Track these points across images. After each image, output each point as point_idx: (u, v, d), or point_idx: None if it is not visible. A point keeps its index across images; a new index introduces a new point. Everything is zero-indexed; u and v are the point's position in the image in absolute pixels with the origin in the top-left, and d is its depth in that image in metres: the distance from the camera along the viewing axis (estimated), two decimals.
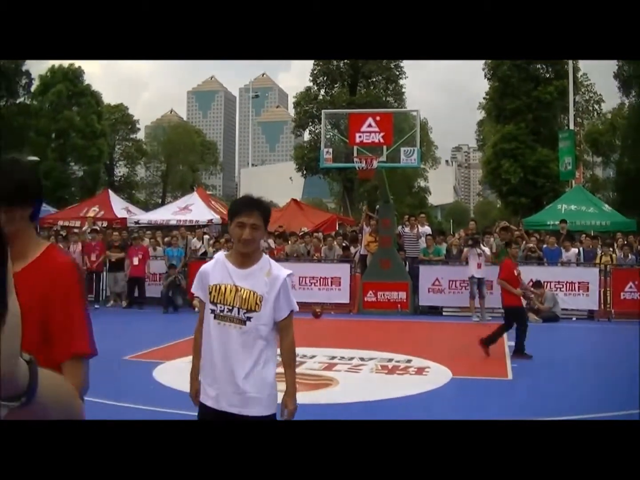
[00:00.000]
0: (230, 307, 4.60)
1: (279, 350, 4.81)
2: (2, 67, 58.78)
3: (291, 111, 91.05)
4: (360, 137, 21.24)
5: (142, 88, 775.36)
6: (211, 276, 4.72)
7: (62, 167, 65.98)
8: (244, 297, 4.58)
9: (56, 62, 67.28)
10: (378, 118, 21.78)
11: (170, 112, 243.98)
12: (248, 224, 4.54)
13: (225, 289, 4.63)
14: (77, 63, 68.08)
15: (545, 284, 20.82)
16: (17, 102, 61.92)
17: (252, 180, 72.46)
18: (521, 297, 14.26)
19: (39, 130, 62.44)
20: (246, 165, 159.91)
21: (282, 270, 4.72)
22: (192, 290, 4.93)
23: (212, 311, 4.67)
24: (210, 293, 4.67)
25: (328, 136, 28.42)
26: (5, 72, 59.32)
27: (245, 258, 4.67)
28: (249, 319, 4.58)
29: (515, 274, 14.13)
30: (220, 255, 4.88)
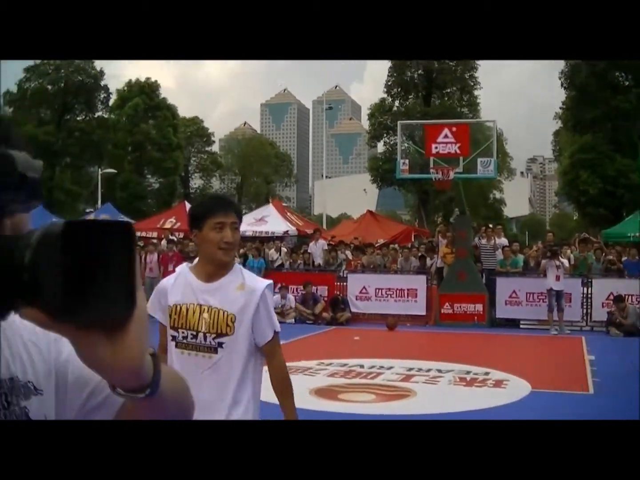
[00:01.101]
0: (195, 333, 3.73)
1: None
2: (82, 82, 60.40)
3: (364, 123, 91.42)
4: (436, 148, 21.24)
5: (216, 101, 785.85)
6: (170, 294, 3.82)
7: (138, 179, 67.31)
8: (211, 317, 3.71)
9: (133, 77, 68.73)
10: (454, 129, 21.75)
11: (244, 125, 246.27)
12: (228, 223, 3.65)
13: (187, 310, 3.74)
14: (153, 77, 69.38)
15: (627, 297, 20.30)
16: (96, 115, 63.46)
17: (326, 192, 72.57)
18: None
19: (117, 143, 64.04)
20: (320, 177, 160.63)
21: (259, 282, 3.86)
22: (149, 311, 3.83)
23: (174, 338, 3.79)
24: (170, 316, 3.78)
25: (403, 147, 28.39)
26: (85, 87, 60.87)
27: (214, 269, 3.76)
28: (220, 345, 3.70)
29: None
30: (184, 267, 3.94)
